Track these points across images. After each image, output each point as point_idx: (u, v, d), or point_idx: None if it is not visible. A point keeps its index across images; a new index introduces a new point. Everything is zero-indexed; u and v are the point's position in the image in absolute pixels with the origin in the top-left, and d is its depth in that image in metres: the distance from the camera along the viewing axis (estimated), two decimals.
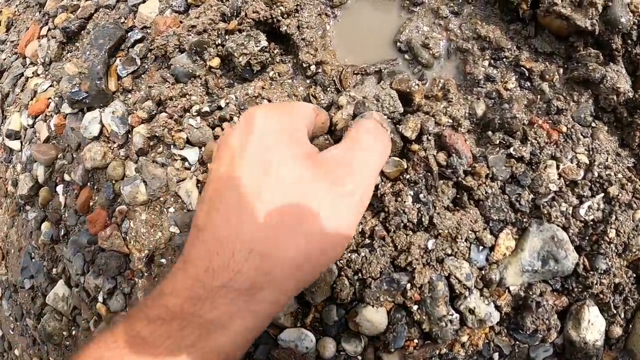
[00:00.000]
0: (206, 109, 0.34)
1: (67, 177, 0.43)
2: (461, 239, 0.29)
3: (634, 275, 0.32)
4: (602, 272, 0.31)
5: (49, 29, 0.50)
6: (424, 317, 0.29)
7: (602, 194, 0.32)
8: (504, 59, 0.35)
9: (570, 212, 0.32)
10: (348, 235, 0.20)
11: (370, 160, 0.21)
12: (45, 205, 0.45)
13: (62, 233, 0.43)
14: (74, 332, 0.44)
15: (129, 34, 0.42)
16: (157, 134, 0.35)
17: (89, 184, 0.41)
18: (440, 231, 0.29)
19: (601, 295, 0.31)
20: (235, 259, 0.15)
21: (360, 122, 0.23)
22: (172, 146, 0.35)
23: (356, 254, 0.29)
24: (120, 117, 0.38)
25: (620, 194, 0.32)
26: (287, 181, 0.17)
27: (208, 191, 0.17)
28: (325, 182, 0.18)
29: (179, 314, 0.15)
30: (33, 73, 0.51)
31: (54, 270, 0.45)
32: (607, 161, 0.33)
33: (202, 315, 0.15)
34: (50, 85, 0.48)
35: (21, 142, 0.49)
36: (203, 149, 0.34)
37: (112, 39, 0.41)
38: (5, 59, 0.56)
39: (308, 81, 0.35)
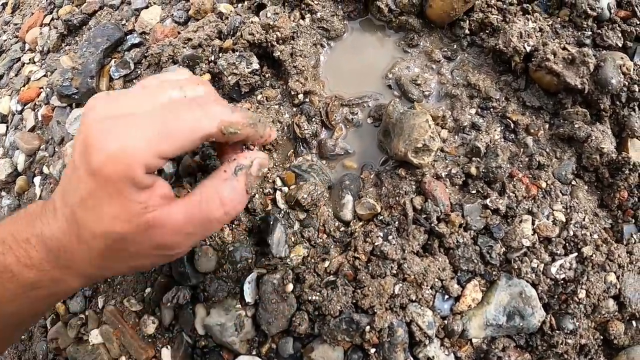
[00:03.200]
0: None
1: (45, 170, 0.43)
2: (427, 286, 0.29)
3: (601, 337, 0.31)
4: (569, 332, 0.30)
5: (52, 19, 0.51)
6: None
7: (576, 254, 0.32)
8: (491, 109, 0.35)
9: (542, 269, 0.31)
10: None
11: (195, 236, 0.21)
12: (21, 194, 0.45)
13: None
14: (30, 327, 0.42)
15: (128, 37, 0.42)
16: None
17: None
18: (406, 276, 0.29)
19: (565, 355, 0.30)
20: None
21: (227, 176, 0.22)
22: None
23: (318, 291, 0.28)
24: None
25: (594, 255, 0.32)
26: (113, 232, 0.20)
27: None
28: (152, 245, 0.20)
29: (38, 266, 0.20)
30: (30, 60, 0.51)
31: None
32: (584, 220, 0.33)
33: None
34: (44, 75, 0.47)
35: (7, 127, 0.49)
36: (181, 163, 0.34)
37: (110, 39, 0.41)
38: (5, 40, 0.56)
39: (294, 109, 0.35)
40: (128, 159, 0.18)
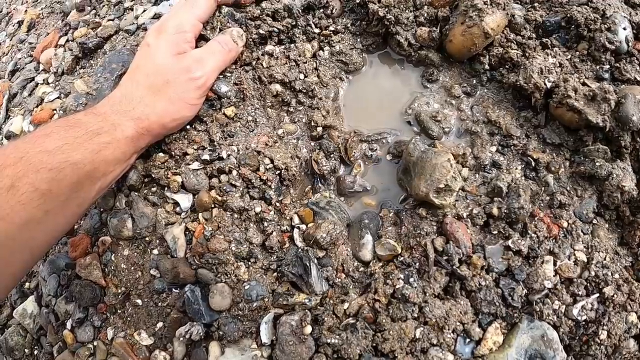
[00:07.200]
0: (206, 157, 0.33)
1: None
2: (448, 329, 0.28)
3: None
4: None
5: (67, 40, 0.51)
6: None
7: (597, 294, 0.31)
8: (512, 147, 0.34)
9: (563, 310, 0.31)
10: (192, 103, 0.33)
11: (214, 59, 0.33)
12: None
13: None
14: (35, 352, 0.42)
15: None
16: (153, 174, 0.34)
17: None
18: (428, 320, 0.28)
19: None
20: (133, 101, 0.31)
21: (219, 35, 0.35)
22: (166, 188, 0.34)
23: (338, 334, 0.28)
24: None
25: (615, 295, 0.31)
26: (158, 64, 0.31)
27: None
28: (182, 69, 0.32)
29: (102, 114, 0.30)
30: (44, 80, 0.51)
31: (27, 284, 0.43)
32: (605, 260, 0.32)
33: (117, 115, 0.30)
34: (58, 97, 0.47)
35: None
36: (196, 197, 0.33)
37: (125, 65, 0.41)
38: (20, 58, 0.56)
39: (313, 144, 0.35)
40: (184, 27, 0.33)
